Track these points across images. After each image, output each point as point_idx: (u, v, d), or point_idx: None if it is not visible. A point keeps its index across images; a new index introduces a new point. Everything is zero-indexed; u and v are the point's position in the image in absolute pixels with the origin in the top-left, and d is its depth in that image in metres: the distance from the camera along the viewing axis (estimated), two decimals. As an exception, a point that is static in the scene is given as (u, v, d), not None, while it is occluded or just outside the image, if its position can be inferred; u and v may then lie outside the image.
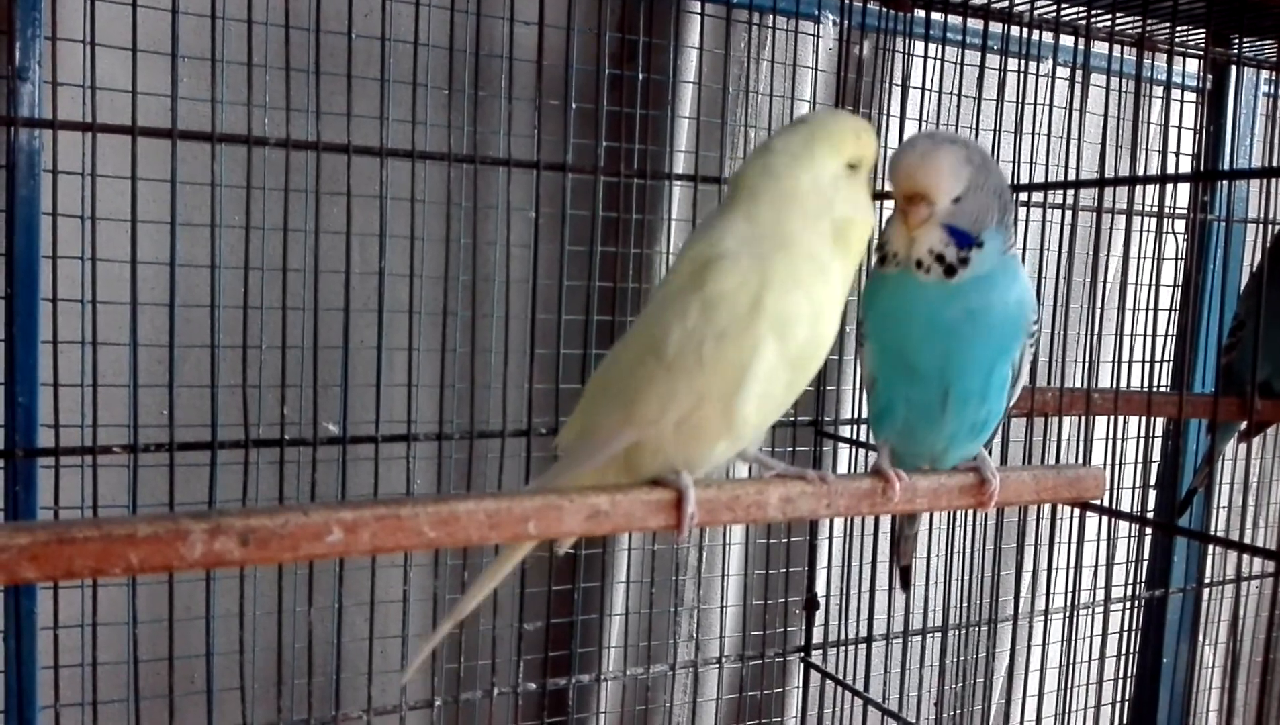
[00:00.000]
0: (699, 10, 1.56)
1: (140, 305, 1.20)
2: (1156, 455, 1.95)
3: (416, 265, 1.36)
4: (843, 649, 1.77)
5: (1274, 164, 1.86)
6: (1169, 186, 1.85)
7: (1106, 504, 1.29)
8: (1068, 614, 1.79)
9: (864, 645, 1.73)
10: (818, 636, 1.79)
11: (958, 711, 1.93)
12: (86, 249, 1.18)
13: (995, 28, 1.57)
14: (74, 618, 1.24)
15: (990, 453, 0.95)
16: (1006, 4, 1.55)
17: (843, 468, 1.81)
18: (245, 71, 1.22)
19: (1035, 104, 1.66)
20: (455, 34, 1.38)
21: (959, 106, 1.64)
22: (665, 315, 0.77)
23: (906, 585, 1.19)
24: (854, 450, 1.77)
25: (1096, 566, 1.91)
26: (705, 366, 0.75)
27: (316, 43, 1.25)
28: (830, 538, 1.82)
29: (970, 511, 1.81)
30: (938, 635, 1.77)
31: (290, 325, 1.28)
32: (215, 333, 1.25)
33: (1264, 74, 1.91)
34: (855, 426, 1.74)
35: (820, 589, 1.80)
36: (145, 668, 1.26)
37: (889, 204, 0.90)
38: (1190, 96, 1.91)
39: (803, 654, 1.79)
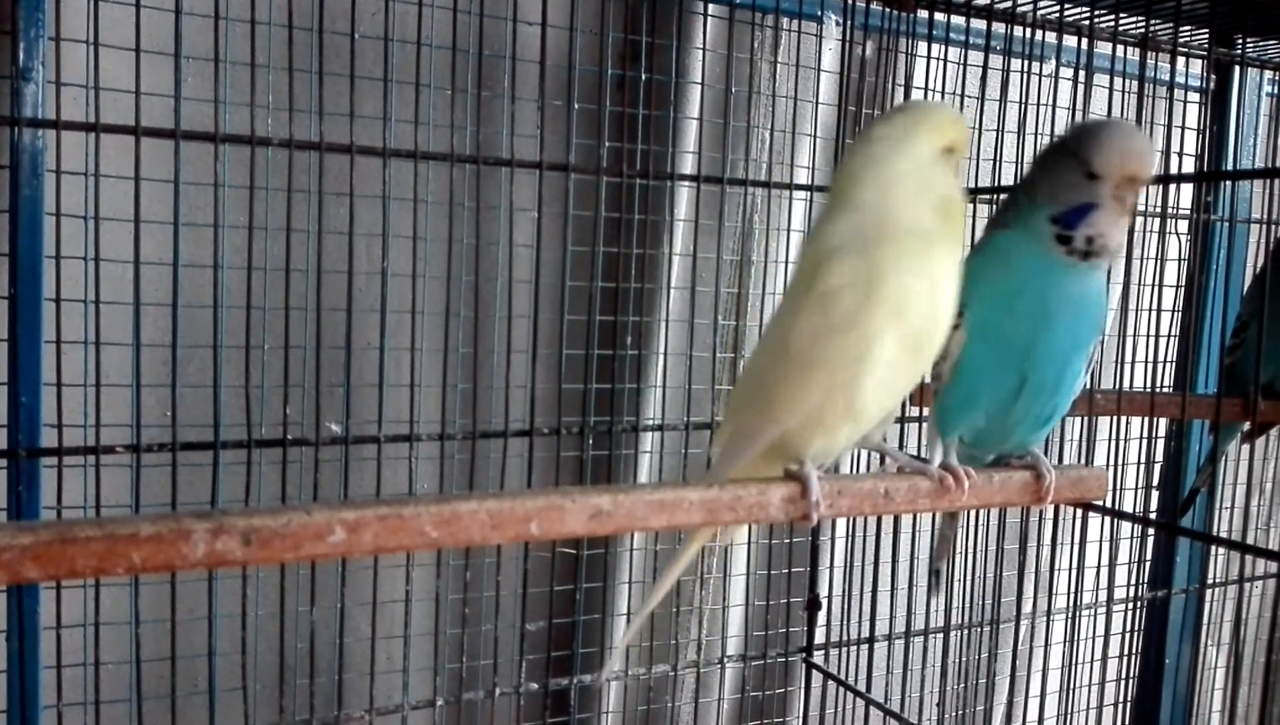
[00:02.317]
0: (702, 11, 1.56)
1: (143, 305, 1.20)
2: (1159, 456, 1.95)
3: (419, 265, 1.36)
4: (845, 649, 1.77)
5: (1277, 164, 1.86)
6: (1172, 187, 1.84)
7: (1109, 505, 1.29)
8: (1070, 614, 1.79)
9: (866, 646, 1.72)
10: (820, 637, 1.79)
11: (960, 712, 1.93)
12: (89, 249, 1.18)
13: (998, 28, 1.57)
14: (76, 618, 1.24)
15: (1046, 452, 0.96)
16: (1009, 4, 1.55)
17: (844, 468, 1.81)
18: (249, 71, 1.22)
19: (1038, 105, 1.66)
20: (458, 34, 1.38)
21: (962, 107, 1.64)
22: (788, 317, 0.83)
23: (938, 587, 1.20)
24: (857, 450, 1.77)
25: (1099, 567, 1.90)
26: (829, 360, 0.80)
27: (320, 43, 1.25)
28: (833, 538, 1.82)
29: (974, 512, 1.80)
30: (940, 636, 1.76)
31: (293, 325, 1.28)
32: (218, 333, 1.25)
33: (1267, 74, 1.90)
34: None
35: (823, 589, 1.80)
36: (147, 668, 1.26)
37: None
38: (1194, 97, 1.90)
39: (805, 654, 1.78)
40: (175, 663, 1.25)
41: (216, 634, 1.29)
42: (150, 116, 1.18)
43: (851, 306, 0.78)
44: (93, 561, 0.64)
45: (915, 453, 1.66)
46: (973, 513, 1.81)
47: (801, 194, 1.69)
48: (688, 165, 1.63)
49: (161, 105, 1.20)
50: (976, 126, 1.69)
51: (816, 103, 1.73)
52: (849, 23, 1.64)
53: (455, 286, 1.42)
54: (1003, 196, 1.57)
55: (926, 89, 1.69)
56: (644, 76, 1.49)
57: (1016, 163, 1.58)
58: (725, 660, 1.70)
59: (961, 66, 1.72)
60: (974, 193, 1.56)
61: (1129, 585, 2.00)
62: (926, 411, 1.01)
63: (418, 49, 1.31)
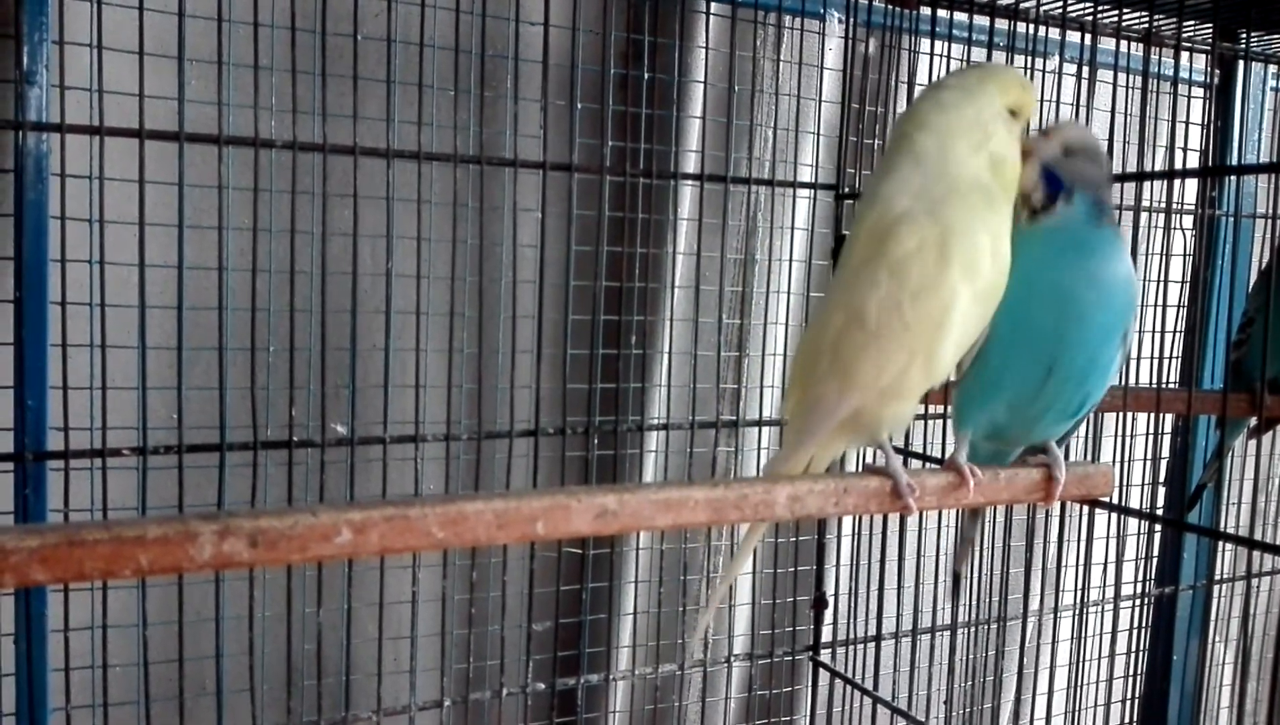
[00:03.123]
0: (705, 9, 1.56)
1: (149, 308, 1.20)
2: (1166, 452, 1.94)
3: (424, 266, 1.36)
4: (852, 648, 1.77)
5: (1282, 159, 1.85)
6: (1177, 182, 1.84)
7: (1116, 501, 1.29)
8: (1077, 611, 1.79)
9: (873, 644, 1.72)
10: (827, 635, 1.79)
11: (968, 710, 1.92)
12: (94, 252, 1.19)
13: (1001, 24, 1.56)
14: (84, 620, 1.25)
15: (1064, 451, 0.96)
16: (1013, 0, 1.54)
17: (850, 466, 1.81)
18: (251, 74, 1.22)
19: (1042, 100, 1.66)
20: (461, 35, 1.38)
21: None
22: (860, 286, 0.82)
23: (958, 592, 1.19)
24: (861, 447, 1.77)
25: (1106, 564, 1.90)
26: (909, 326, 0.80)
27: (323, 45, 1.25)
28: (839, 536, 1.82)
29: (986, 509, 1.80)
30: (947, 633, 1.76)
31: (298, 327, 1.29)
32: (223, 335, 1.25)
33: (1271, 69, 1.90)
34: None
35: (829, 588, 1.80)
36: (156, 670, 1.26)
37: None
38: (1198, 92, 1.90)
39: (812, 653, 1.78)
40: (183, 664, 1.26)
41: (224, 635, 1.30)
42: (154, 119, 1.18)
43: (930, 270, 0.79)
44: (100, 564, 0.65)
45: (920, 450, 1.66)
46: (984, 510, 1.81)
47: (805, 192, 1.69)
48: (690, 164, 1.63)
49: (165, 108, 1.21)
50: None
51: (819, 101, 1.73)
52: (852, 20, 1.64)
53: (460, 287, 1.42)
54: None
55: (930, 86, 1.68)
56: (647, 76, 1.49)
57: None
58: (732, 659, 1.70)
59: (966, 63, 1.72)
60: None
61: (1136, 582, 1.99)
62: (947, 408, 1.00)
63: (420, 50, 1.31)
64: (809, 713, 1.82)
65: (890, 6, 1.59)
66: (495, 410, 1.49)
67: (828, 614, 1.78)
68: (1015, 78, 0.86)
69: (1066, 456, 0.96)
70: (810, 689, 1.80)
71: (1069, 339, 0.87)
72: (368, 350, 1.41)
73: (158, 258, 1.23)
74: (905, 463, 0.93)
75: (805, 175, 1.72)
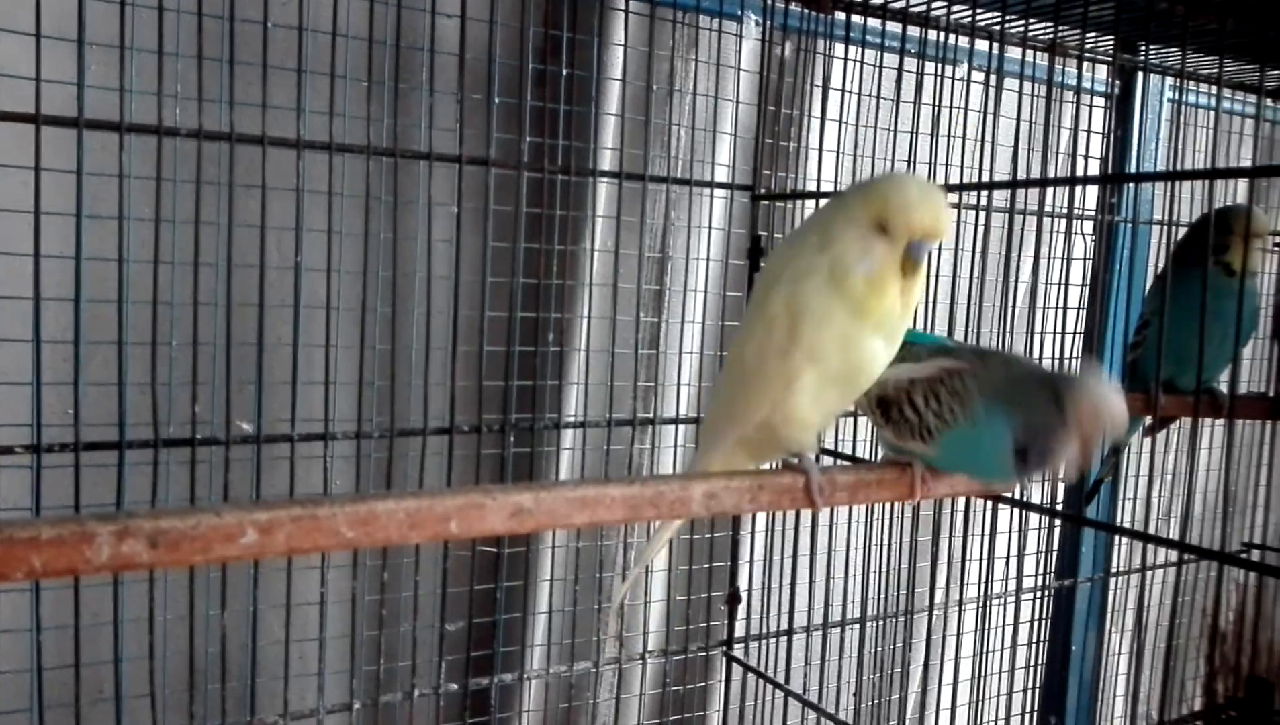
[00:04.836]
0: (623, 7, 1.56)
1: (44, 300, 1.16)
2: (1066, 449, 2.00)
3: (335, 260, 1.34)
4: (764, 642, 1.79)
5: (1177, 167, 1.93)
6: (1078, 188, 1.90)
7: (1017, 497, 1.33)
8: (981, 604, 1.84)
9: (785, 638, 1.75)
10: (740, 630, 1.81)
11: (876, 701, 1.96)
12: (-14, 241, 1.14)
13: (913, 31, 1.60)
14: (-27, 625, 1.20)
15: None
16: (924, 8, 1.58)
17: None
18: (156, 59, 1.18)
19: (951, 107, 1.70)
20: (375, 25, 1.35)
21: (878, 109, 1.67)
22: (746, 330, 0.89)
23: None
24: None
25: (1008, 557, 1.96)
26: (769, 378, 0.85)
27: (231, 30, 1.22)
28: (753, 532, 1.84)
29: (886, 505, 1.84)
30: (856, 627, 1.80)
31: (202, 321, 1.25)
32: (123, 329, 1.21)
33: (1169, 80, 1.98)
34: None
35: (743, 583, 1.82)
36: (50, 676, 1.22)
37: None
38: (1099, 101, 1.96)
39: (725, 648, 1.80)
40: (79, 669, 1.21)
41: (123, 639, 1.26)
42: (51, 104, 1.13)
43: (782, 338, 0.83)
44: (-11, 567, 0.62)
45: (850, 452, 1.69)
46: (886, 507, 1.85)
47: (721, 192, 1.70)
48: (606, 161, 1.63)
49: (63, 93, 1.16)
50: (891, 128, 1.72)
51: (737, 102, 1.74)
52: (768, 23, 1.66)
53: (372, 281, 1.39)
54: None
55: (844, 90, 1.71)
56: (565, 72, 1.48)
57: (930, 164, 1.62)
58: (646, 655, 1.71)
59: (877, 69, 1.75)
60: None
61: (1037, 575, 2.06)
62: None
63: (333, 39, 1.29)
64: (722, 707, 1.84)
65: (806, 11, 1.62)
66: (408, 408, 1.47)
67: (741, 609, 1.80)
68: (891, 194, 0.81)
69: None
70: (723, 683, 1.82)
71: None
72: (274, 345, 1.38)
73: (54, 248, 1.18)
74: (819, 460, 0.96)
75: (720, 175, 1.73)
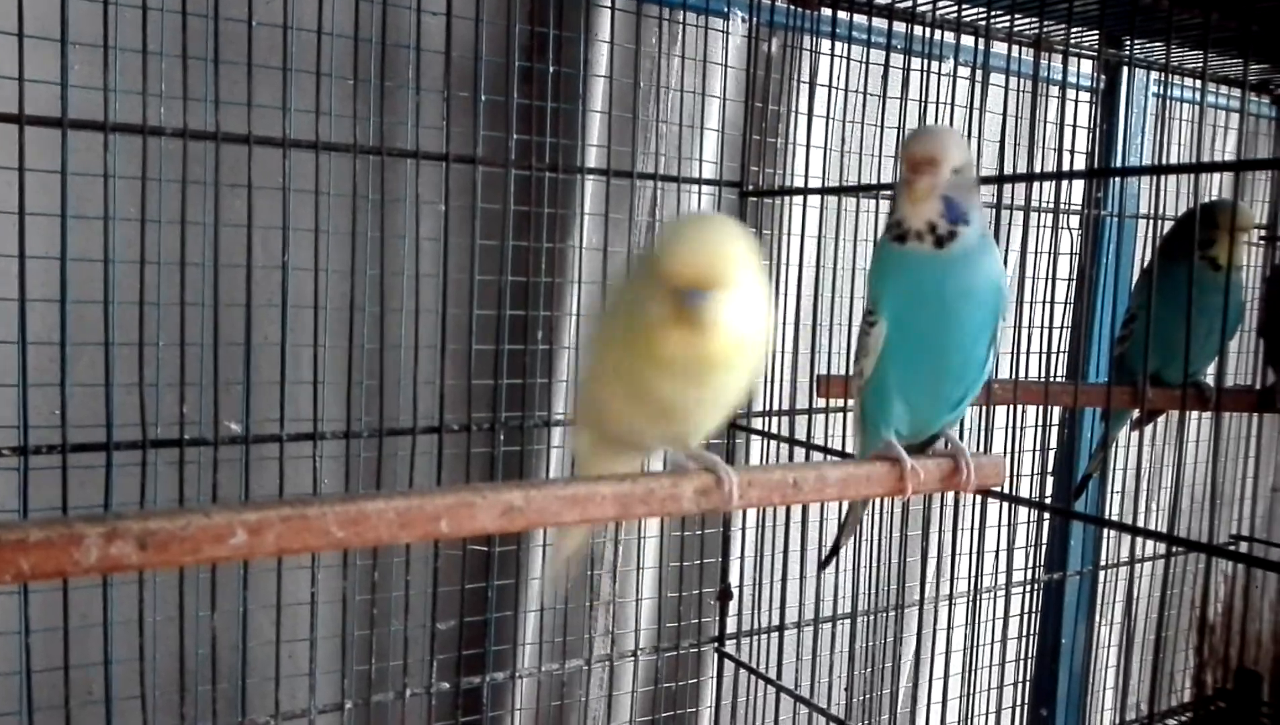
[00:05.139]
0: (609, 4, 1.56)
1: (29, 301, 1.15)
2: (1054, 443, 2.02)
3: (321, 259, 1.33)
4: (756, 638, 1.79)
5: (1163, 161, 1.94)
6: (1064, 183, 1.91)
7: (1007, 490, 1.33)
8: (971, 598, 1.84)
9: (776, 634, 1.75)
10: (731, 626, 1.81)
11: (867, 696, 1.97)
12: (-30, 243, 1.13)
13: (899, 27, 1.60)
14: (-40, 629, 1.19)
15: (962, 437, 1.01)
16: (910, 4, 1.58)
17: (755, 460, 1.83)
18: (140, 59, 1.18)
19: (937, 102, 1.70)
20: (360, 23, 1.35)
21: (864, 104, 1.67)
22: (591, 344, 0.94)
23: (827, 565, 1.24)
24: (766, 443, 1.79)
25: (998, 551, 1.96)
26: (595, 393, 0.87)
27: (215, 29, 1.21)
28: (743, 529, 1.84)
29: (876, 500, 1.84)
30: (847, 622, 1.80)
31: (189, 321, 1.25)
32: (110, 329, 1.21)
33: (1153, 75, 1.98)
34: (767, 419, 1.76)
35: (734, 579, 1.82)
36: (39, 678, 1.21)
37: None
38: (1085, 96, 1.97)
39: (717, 644, 1.80)
40: (69, 672, 1.21)
41: (112, 641, 1.25)
42: (35, 104, 1.13)
43: (598, 363, 0.86)
44: (-24, 570, 0.62)
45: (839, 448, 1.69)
46: (876, 502, 1.85)
47: (710, 188, 1.71)
48: (592, 158, 1.62)
49: (47, 92, 1.15)
50: (878, 124, 1.72)
51: (724, 99, 1.74)
52: (754, 19, 1.66)
53: (359, 280, 1.39)
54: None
55: (830, 86, 1.71)
56: (551, 69, 1.48)
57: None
58: (638, 652, 1.71)
59: (864, 65, 1.76)
60: (876, 190, 1.59)
61: (1026, 568, 2.07)
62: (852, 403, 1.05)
63: (318, 37, 1.28)
64: (714, 704, 1.84)
65: (792, 7, 1.62)
66: (397, 407, 1.46)
67: (732, 605, 1.80)
68: (665, 242, 0.78)
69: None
70: (715, 680, 1.82)
71: (949, 343, 0.93)
72: (262, 345, 1.37)
73: (39, 249, 1.17)
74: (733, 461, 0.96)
75: (708, 172, 1.73)
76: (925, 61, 1.56)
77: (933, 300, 0.92)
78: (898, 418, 0.97)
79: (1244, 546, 2.10)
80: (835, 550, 1.23)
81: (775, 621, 1.75)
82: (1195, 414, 1.83)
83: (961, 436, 1.03)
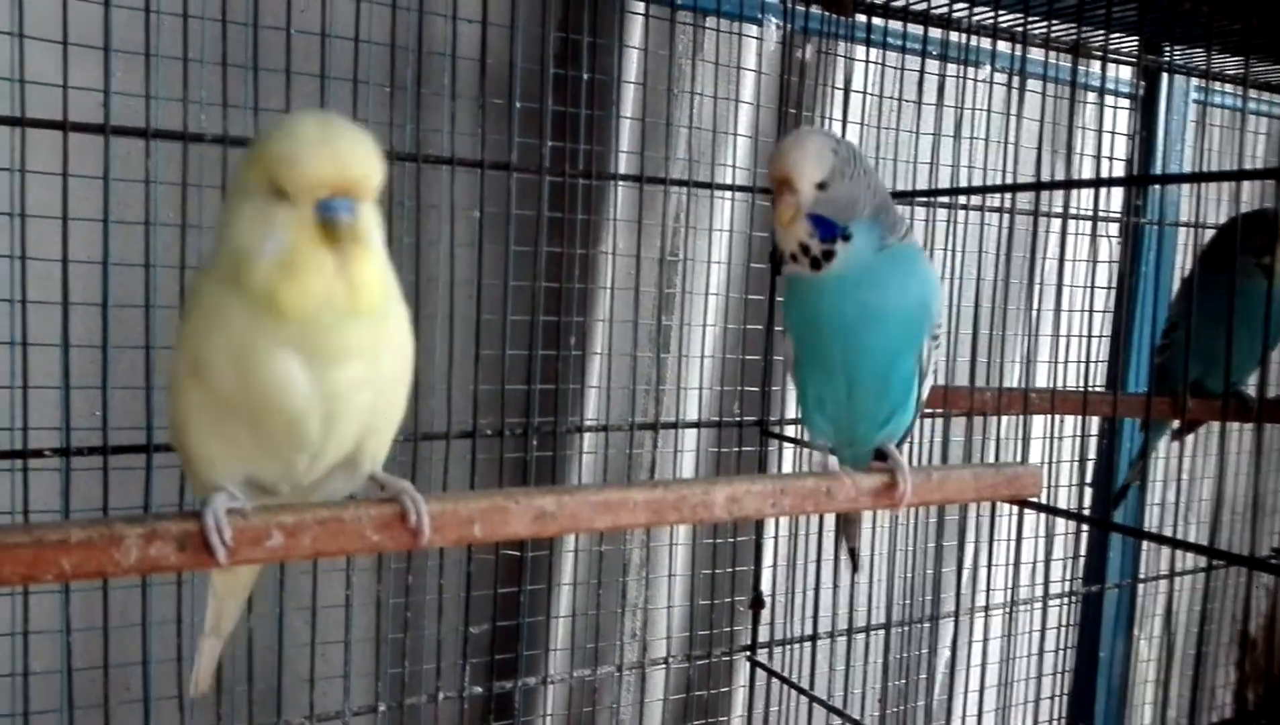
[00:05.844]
0: (642, 11, 1.56)
1: (72, 305, 1.17)
2: (1092, 453, 1.99)
3: (359, 265, 1.34)
4: (788, 647, 1.78)
5: (1204, 169, 1.91)
6: (1103, 190, 1.89)
7: (1044, 501, 1.32)
8: (1007, 610, 1.82)
9: (809, 643, 1.74)
10: (763, 635, 1.80)
11: (901, 708, 1.95)
12: (16, 247, 1.15)
13: (934, 33, 1.59)
14: (4, 626, 1.21)
15: (902, 451, 0.95)
16: (945, 10, 1.57)
17: (787, 467, 1.82)
18: (180, 66, 1.19)
19: (973, 109, 1.69)
20: (397, 31, 1.36)
21: (899, 110, 1.66)
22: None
23: (857, 567, 1.21)
24: (799, 450, 1.78)
25: (1035, 563, 1.94)
26: (171, 396, 0.71)
27: (255, 37, 1.23)
28: (776, 536, 1.83)
29: (912, 509, 1.83)
30: (881, 632, 1.79)
31: (229, 326, 1.26)
32: (150, 333, 1.22)
33: (1194, 81, 1.96)
34: (800, 427, 1.75)
35: (765, 587, 1.81)
36: (80, 676, 1.23)
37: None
38: (1123, 102, 1.95)
39: (749, 653, 1.79)
40: (108, 671, 1.22)
41: (151, 641, 1.26)
42: (79, 111, 1.15)
43: (175, 350, 0.68)
44: (21, 569, 0.63)
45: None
46: (911, 510, 1.84)
47: (743, 195, 1.70)
48: (623, 164, 1.63)
49: (90, 100, 1.17)
50: (914, 130, 1.71)
51: (756, 105, 1.74)
52: (789, 26, 1.66)
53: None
54: (939, 200, 1.60)
55: (864, 92, 1.71)
56: (584, 76, 1.49)
57: (953, 166, 1.61)
58: (669, 660, 1.71)
59: (900, 71, 1.75)
60: (910, 196, 1.58)
61: (1064, 580, 2.04)
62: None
63: (355, 45, 1.29)
64: (745, 713, 1.83)
65: (826, 13, 1.61)
66: (431, 411, 1.47)
67: (764, 614, 1.80)
68: (276, 145, 0.61)
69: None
70: (747, 689, 1.81)
71: (857, 365, 0.88)
72: (300, 350, 1.38)
73: (81, 253, 1.19)
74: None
75: (742, 178, 1.73)
76: (961, 68, 1.55)
77: (821, 322, 0.87)
78: (821, 431, 0.94)
79: (1287, 560, 2.06)
80: (854, 555, 1.20)
81: (808, 630, 1.74)
82: (1236, 425, 1.80)
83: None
